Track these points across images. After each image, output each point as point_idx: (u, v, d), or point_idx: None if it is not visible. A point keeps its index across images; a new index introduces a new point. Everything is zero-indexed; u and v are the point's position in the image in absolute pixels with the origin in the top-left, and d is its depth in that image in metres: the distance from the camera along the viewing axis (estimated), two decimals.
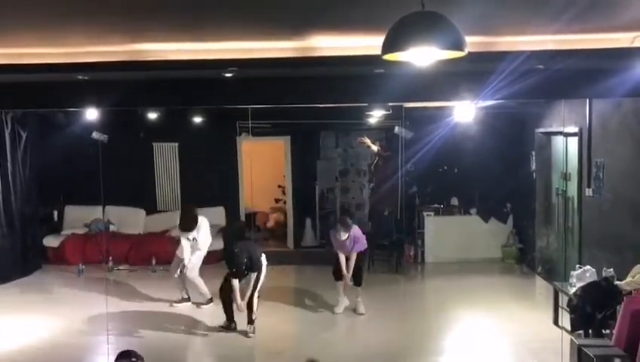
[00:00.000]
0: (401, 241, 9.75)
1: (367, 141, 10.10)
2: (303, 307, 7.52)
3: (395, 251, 9.59)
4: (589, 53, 4.28)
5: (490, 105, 7.43)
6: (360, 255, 7.19)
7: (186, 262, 7.30)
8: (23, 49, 4.31)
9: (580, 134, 7.26)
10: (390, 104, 7.52)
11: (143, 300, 7.82)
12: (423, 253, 9.93)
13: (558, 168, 8.28)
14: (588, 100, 6.90)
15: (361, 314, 7.01)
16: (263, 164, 11.40)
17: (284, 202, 11.48)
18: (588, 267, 6.20)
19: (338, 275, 7.18)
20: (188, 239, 7.36)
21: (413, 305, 7.73)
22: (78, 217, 10.32)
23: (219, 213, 10.31)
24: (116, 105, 5.59)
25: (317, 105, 7.86)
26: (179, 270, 7.39)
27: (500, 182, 9.51)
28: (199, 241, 7.39)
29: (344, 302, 7.18)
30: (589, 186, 7.05)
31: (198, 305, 7.41)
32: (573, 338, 5.14)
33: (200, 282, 7.42)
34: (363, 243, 7.19)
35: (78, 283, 8.74)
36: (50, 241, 9.97)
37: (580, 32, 4.01)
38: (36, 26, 3.69)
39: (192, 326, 6.84)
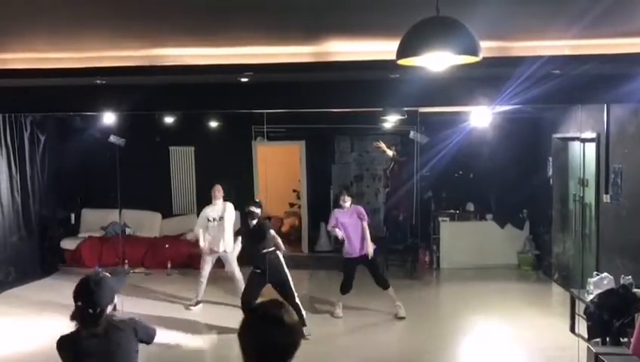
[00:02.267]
0: (416, 246, 9.71)
1: (383, 146, 10.09)
2: (313, 311, 7.52)
3: (409, 256, 9.55)
4: (607, 58, 4.25)
5: (506, 110, 7.39)
6: (375, 261, 7.11)
7: (201, 243, 7.32)
8: (42, 54, 4.38)
9: (597, 140, 7.19)
10: (405, 109, 7.52)
11: (159, 302, 7.87)
12: (438, 258, 9.88)
13: (575, 174, 8.20)
14: (605, 106, 6.83)
15: (402, 318, 6.90)
16: (278, 169, 11.45)
17: (299, 206, 11.50)
18: (605, 274, 6.12)
19: (345, 290, 7.08)
20: (211, 219, 7.33)
21: (429, 311, 7.69)
22: (94, 220, 10.42)
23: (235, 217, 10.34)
24: (133, 109, 5.66)
25: (332, 110, 7.90)
26: (210, 265, 7.34)
27: (516, 187, 9.43)
28: (226, 219, 7.33)
29: (341, 306, 7.17)
30: (606, 192, 6.97)
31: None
32: (590, 346, 5.08)
33: (241, 278, 7.33)
34: (365, 215, 7.12)
35: None
36: (68, 244, 10.07)
37: (597, 37, 3.98)
38: (55, 32, 3.75)
39: (203, 328, 6.88)
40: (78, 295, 2.83)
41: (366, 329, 6.89)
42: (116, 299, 2.84)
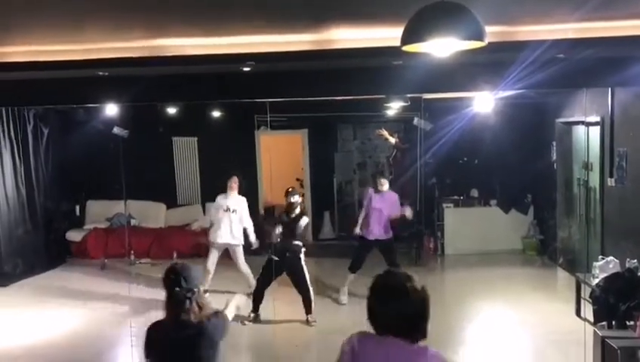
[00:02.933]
0: (421, 233, 9.72)
1: (385, 133, 10.06)
2: (317, 298, 7.54)
3: (414, 243, 9.56)
4: (611, 41, 4.21)
5: (509, 95, 7.35)
6: (391, 246, 7.21)
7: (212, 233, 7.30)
8: (43, 46, 4.36)
9: (601, 123, 7.16)
10: (409, 95, 7.48)
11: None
12: (442, 244, 9.88)
13: (579, 158, 8.18)
14: (610, 89, 6.80)
15: None
16: (281, 158, 11.44)
17: (303, 195, 11.50)
18: (611, 258, 6.12)
19: (355, 268, 7.15)
20: (225, 209, 7.31)
21: (434, 297, 7.64)
22: (99, 212, 10.45)
23: None
24: (136, 100, 5.65)
25: (335, 98, 7.87)
26: (217, 255, 7.32)
27: (520, 173, 9.42)
28: (238, 211, 7.32)
29: (346, 293, 7.22)
30: (611, 176, 6.95)
31: (248, 295, 7.34)
32: (596, 329, 5.09)
33: (248, 270, 7.39)
34: (399, 207, 7.20)
35: (101, 277, 8.87)
36: (73, 236, 10.11)
37: (601, 20, 3.94)
38: (55, 23, 3.74)
39: None
40: (171, 281, 2.88)
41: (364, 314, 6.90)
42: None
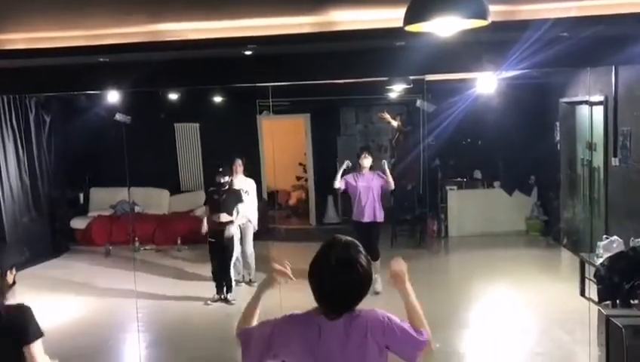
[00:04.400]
0: (424, 216, 9.72)
1: (388, 116, 10.03)
2: None
3: (418, 226, 9.57)
4: (615, 18, 4.16)
5: (512, 75, 7.31)
6: (376, 227, 6.98)
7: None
8: (42, 33, 4.34)
9: (605, 103, 7.12)
10: (411, 77, 7.44)
11: (171, 278, 7.95)
12: (446, 227, 9.89)
13: (583, 138, 8.15)
14: (614, 67, 6.75)
15: (377, 293, 6.33)
16: (283, 142, 11.42)
17: (306, 180, 11.51)
18: (615, 237, 6.13)
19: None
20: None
21: (437, 279, 7.72)
22: (103, 199, 10.48)
23: None
24: (137, 86, 5.63)
25: (337, 82, 7.83)
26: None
27: (523, 153, 9.39)
28: (250, 193, 7.28)
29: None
30: (615, 156, 6.93)
31: (249, 283, 7.36)
32: (600, 308, 5.10)
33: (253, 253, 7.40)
34: (388, 182, 6.89)
35: (106, 264, 8.91)
36: (78, 223, 10.15)
37: None
38: (54, 10, 3.71)
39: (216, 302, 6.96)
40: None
41: (374, 298, 6.93)
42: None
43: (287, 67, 5.35)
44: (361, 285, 2.06)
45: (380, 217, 6.96)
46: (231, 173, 7.17)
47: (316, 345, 2.06)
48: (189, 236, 9.58)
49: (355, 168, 7.09)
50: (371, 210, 6.88)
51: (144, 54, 4.96)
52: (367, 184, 6.92)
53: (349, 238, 2.16)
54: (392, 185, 6.96)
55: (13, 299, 2.73)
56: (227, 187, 6.82)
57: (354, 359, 2.06)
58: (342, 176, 7.03)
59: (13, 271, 2.78)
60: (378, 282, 6.74)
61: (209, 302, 6.84)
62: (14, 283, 2.79)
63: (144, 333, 6.06)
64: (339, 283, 2.04)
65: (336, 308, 2.07)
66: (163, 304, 7.00)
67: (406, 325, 2.16)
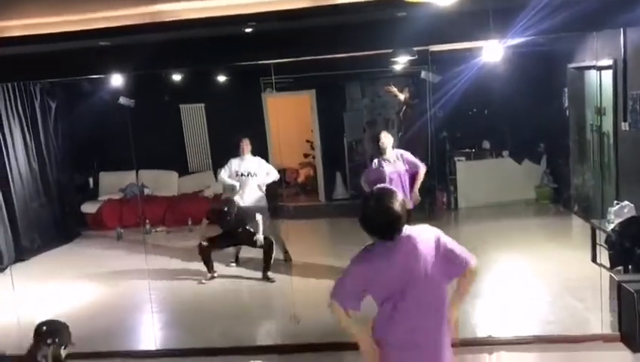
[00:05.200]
0: (433, 188, 9.68)
1: (394, 90, 9.93)
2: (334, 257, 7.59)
3: (427, 198, 9.50)
4: None
5: (518, 43, 7.17)
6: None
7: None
8: (41, 19, 4.31)
9: (614, 66, 7.00)
10: (415, 49, 7.34)
11: (183, 259, 8.01)
12: (455, 198, 9.86)
13: (591, 103, 8.05)
14: (622, 30, 6.61)
15: None
16: (289, 120, 11.39)
17: (313, 157, 11.48)
18: (626, 202, 6.08)
19: None
20: (241, 174, 7.22)
21: None
22: (112, 183, 10.53)
23: None
24: (139, 69, 5.59)
25: (340, 56, 7.73)
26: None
27: (531, 122, 9.29)
28: (259, 175, 7.25)
29: None
30: (625, 120, 6.83)
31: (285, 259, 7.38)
32: (612, 274, 5.09)
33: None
34: (417, 163, 6.15)
35: (118, 247, 8.99)
36: (88, 208, 10.22)
37: None
38: None
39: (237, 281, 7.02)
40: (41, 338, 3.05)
41: None
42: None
43: (288, 43, 5.28)
44: (397, 213, 2.73)
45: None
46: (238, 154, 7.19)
47: (387, 268, 2.75)
48: (199, 216, 9.62)
49: (372, 153, 6.37)
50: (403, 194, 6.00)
51: (144, 36, 4.92)
52: (395, 169, 6.16)
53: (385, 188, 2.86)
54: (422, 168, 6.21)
55: None
56: None
57: (417, 267, 2.75)
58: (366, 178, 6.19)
59: (69, 347, 3.20)
60: None
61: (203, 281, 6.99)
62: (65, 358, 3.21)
63: (158, 314, 6.12)
64: (380, 214, 2.72)
65: (387, 234, 2.75)
66: (176, 284, 7.07)
67: (455, 244, 2.91)
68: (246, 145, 7.39)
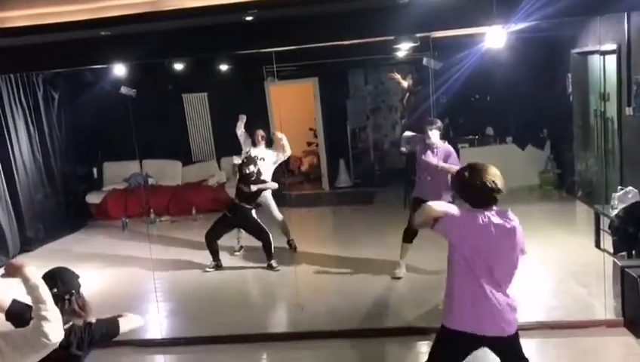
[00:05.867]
0: None
1: (398, 77, 9.87)
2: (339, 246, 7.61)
3: None
4: None
5: (521, 29, 7.12)
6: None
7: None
8: (43, 9, 4.30)
9: (618, 51, 6.96)
10: (418, 35, 7.29)
11: (188, 248, 8.05)
12: None
13: (595, 89, 8.01)
14: (626, 14, 6.56)
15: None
16: (292, 108, 11.37)
17: (317, 145, 11.48)
18: (630, 188, 6.07)
19: (410, 235, 6.03)
20: (259, 159, 7.18)
21: None
22: (116, 173, 10.56)
23: None
24: (141, 58, 5.59)
25: (343, 43, 7.70)
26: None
27: (535, 107, 9.25)
28: (267, 160, 7.28)
29: (403, 266, 6.31)
30: (629, 105, 6.80)
31: (290, 244, 7.42)
32: (615, 259, 5.09)
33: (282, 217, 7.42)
34: (455, 159, 5.87)
35: (124, 237, 9.03)
36: (93, 198, 10.26)
37: None
38: None
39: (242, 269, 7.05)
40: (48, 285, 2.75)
41: (390, 258, 6.96)
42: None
43: (290, 31, 5.25)
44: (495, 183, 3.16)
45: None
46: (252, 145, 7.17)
47: (484, 229, 3.08)
48: (203, 206, 9.66)
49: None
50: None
51: (145, 25, 4.90)
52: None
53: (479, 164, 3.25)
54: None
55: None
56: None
57: (508, 243, 3.15)
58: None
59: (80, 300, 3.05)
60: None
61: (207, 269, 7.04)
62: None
63: (163, 303, 6.16)
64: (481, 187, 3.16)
65: (487, 203, 3.16)
66: (181, 273, 7.11)
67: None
68: (261, 135, 7.39)
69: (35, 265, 2.64)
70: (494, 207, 3.17)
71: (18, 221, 8.50)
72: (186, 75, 9.71)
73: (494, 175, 3.15)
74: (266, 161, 7.33)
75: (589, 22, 7.56)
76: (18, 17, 4.40)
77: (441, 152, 5.88)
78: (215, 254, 7.03)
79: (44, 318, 2.43)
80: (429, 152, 5.96)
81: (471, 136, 9.90)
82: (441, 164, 5.83)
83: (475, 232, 3.08)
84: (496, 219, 3.11)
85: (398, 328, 5.16)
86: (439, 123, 6.02)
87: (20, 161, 8.74)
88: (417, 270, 6.42)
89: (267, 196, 7.30)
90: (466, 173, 3.17)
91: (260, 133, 7.46)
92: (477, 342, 3.13)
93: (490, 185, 3.11)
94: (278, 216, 7.37)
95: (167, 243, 8.32)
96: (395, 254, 6.32)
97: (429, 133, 5.90)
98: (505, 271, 3.13)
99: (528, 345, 4.75)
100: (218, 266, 7.05)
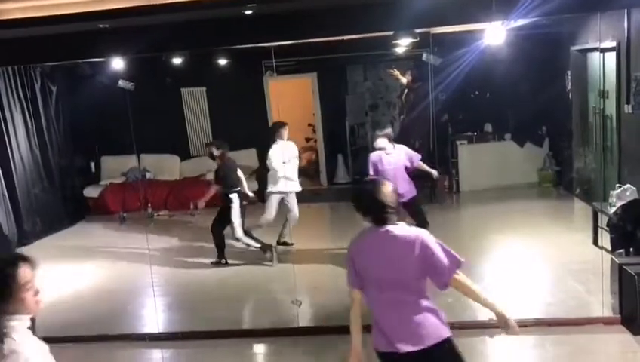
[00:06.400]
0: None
1: (397, 73, 9.88)
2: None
3: (428, 182, 9.50)
4: None
5: (521, 25, 7.10)
6: (416, 201, 6.40)
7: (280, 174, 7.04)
8: (40, 1, 4.28)
9: (617, 48, 6.94)
10: (417, 31, 7.27)
11: (185, 242, 8.04)
12: (457, 182, 9.84)
13: (594, 86, 8.00)
14: (626, 11, 6.54)
15: None
16: (291, 103, 11.34)
17: (315, 140, 11.46)
18: (628, 185, 6.06)
19: None
20: (286, 161, 7.09)
21: (450, 233, 7.69)
22: (114, 167, 10.53)
23: (251, 155, 10.38)
24: (139, 51, 5.55)
25: (342, 39, 7.68)
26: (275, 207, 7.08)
27: (534, 104, 9.24)
28: (293, 159, 7.22)
29: None
30: (628, 102, 6.79)
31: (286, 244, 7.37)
32: (613, 257, 5.09)
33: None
34: (415, 157, 6.37)
35: (121, 231, 9.01)
36: (91, 192, 10.24)
37: None
38: None
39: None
40: None
41: None
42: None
43: (289, 25, 5.23)
44: (383, 202, 2.90)
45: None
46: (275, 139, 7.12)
47: (368, 251, 2.94)
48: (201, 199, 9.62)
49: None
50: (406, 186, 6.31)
51: (144, 18, 4.88)
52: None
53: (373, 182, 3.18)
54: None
55: None
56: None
57: (394, 255, 2.87)
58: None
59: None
60: None
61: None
62: None
63: (160, 297, 6.16)
64: (368, 203, 2.95)
65: (377, 221, 2.92)
66: (178, 268, 7.10)
67: (442, 251, 2.91)
68: (286, 130, 7.23)
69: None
70: (390, 223, 2.94)
71: (15, 214, 8.48)
72: (184, 69, 9.67)
73: (386, 193, 2.93)
74: (293, 159, 7.33)
75: (589, 19, 7.55)
76: (15, 9, 4.37)
77: (402, 154, 6.36)
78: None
79: None
80: (384, 160, 6.33)
81: (469, 133, 9.89)
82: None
83: (362, 253, 2.97)
84: (386, 234, 2.90)
85: None
86: (387, 130, 6.46)
87: (18, 154, 8.71)
88: None
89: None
90: (361, 190, 3.09)
91: (286, 127, 7.31)
92: (402, 359, 2.89)
93: (381, 203, 2.90)
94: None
95: (164, 237, 8.31)
96: None
97: (378, 140, 6.35)
98: (402, 284, 2.90)
99: (526, 342, 4.77)
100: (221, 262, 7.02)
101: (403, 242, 2.87)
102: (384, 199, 2.91)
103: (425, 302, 2.91)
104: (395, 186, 3.02)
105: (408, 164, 6.38)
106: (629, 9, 6.41)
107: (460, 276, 2.93)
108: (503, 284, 5.92)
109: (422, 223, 6.21)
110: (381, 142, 6.33)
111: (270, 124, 10.59)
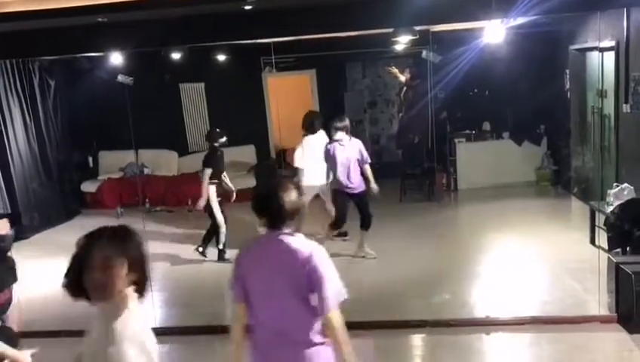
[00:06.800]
0: (433, 170, 9.68)
1: (395, 71, 9.87)
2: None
3: (427, 180, 9.54)
4: None
5: (520, 24, 7.10)
6: (366, 198, 6.58)
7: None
8: None
9: (616, 48, 6.95)
10: (417, 28, 7.27)
11: (182, 238, 8.03)
12: (455, 180, 9.86)
13: (593, 85, 8.00)
14: (625, 10, 6.55)
15: (374, 258, 6.63)
16: (290, 100, 11.32)
17: None
18: (625, 185, 6.07)
19: (340, 225, 6.69)
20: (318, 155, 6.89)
21: (448, 232, 7.75)
22: (112, 162, 10.52)
23: (249, 152, 10.38)
24: (138, 46, 5.55)
25: (341, 35, 7.68)
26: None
27: (532, 103, 9.25)
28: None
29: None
30: (626, 102, 6.80)
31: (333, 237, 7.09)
32: (610, 256, 5.11)
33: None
34: (366, 157, 6.56)
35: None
36: (88, 187, 10.23)
37: None
38: None
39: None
40: None
41: (386, 251, 6.97)
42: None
43: (288, 21, 5.23)
44: (280, 209, 2.60)
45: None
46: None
47: (261, 258, 2.69)
48: (200, 196, 9.60)
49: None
50: (359, 179, 6.60)
51: (142, 13, 4.87)
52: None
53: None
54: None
55: None
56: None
57: (282, 264, 2.61)
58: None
59: None
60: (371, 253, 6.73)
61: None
62: None
63: (158, 292, 6.15)
64: (265, 202, 2.68)
65: (271, 225, 2.66)
66: (175, 263, 7.09)
67: (328, 275, 2.59)
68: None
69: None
70: (286, 230, 2.65)
71: (13, 208, 8.46)
72: (183, 64, 9.63)
73: (289, 196, 2.62)
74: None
75: (588, 18, 7.55)
76: (14, 2, 4.36)
77: (355, 148, 6.55)
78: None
79: None
80: (337, 150, 6.51)
81: (468, 131, 9.89)
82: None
83: (246, 267, 2.72)
84: (279, 243, 2.62)
85: (395, 321, 5.16)
86: (345, 122, 6.62)
87: (16, 148, 8.69)
88: (415, 266, 6.42)
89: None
90: (263, 186, 2.92)
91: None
92: None
93: (279, 204, 2.59)
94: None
95: (162, 233, 8.30)
96: (392, 246, 6.35)
97: (334, 133, 6.54)
98: (285, 311, 2.62)
99: (522, 340, 4.78)
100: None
101: (295, 254, 2.58)
102: (284, 201, 2.59)
103: (312, 336, 2.61)
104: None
105: (360, 158, 6.55)
106: (629, 8, 6.42)
107: (335, 318, 2.56)
108: (500, 282, 5.93)
109: (366, 217, 6.61)
110: (339, 134, 6.51)
111: (269, 121, 10.62)
